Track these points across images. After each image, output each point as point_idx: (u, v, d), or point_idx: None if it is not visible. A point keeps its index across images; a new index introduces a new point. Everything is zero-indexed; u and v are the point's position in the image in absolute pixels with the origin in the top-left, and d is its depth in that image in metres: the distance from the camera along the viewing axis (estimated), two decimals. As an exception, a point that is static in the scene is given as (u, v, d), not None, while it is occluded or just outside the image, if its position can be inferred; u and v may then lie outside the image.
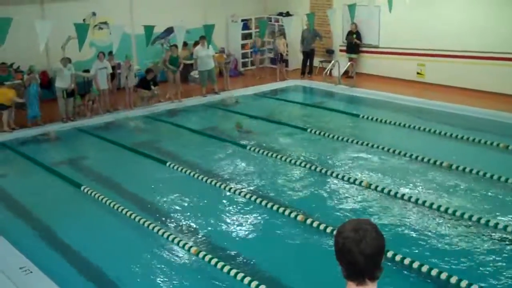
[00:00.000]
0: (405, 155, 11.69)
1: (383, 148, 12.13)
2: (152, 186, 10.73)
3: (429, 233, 8.46)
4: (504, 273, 7.39)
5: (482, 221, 8.63)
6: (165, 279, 7.57)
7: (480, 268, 7.51)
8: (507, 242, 8.14)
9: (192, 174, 11.08)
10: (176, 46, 16.25)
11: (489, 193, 9.87)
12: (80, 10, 16.96)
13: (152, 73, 16.28)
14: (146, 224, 8.94)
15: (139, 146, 13.01)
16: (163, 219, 9.30)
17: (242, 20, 20.77)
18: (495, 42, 16.02)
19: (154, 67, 17.18)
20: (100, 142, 13.70)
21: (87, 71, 15.57)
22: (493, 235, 8.34)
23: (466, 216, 8.82)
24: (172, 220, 9.26)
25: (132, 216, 9.23)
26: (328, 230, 8.44)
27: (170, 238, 8.48)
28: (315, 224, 8.71)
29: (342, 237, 2.65)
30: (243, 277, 7.22)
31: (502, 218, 8.79)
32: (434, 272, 7.24)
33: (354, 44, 19.16)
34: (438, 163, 11.12)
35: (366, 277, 2.66)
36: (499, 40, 15.94)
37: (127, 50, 16.93)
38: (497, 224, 8.52)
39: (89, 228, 9.13)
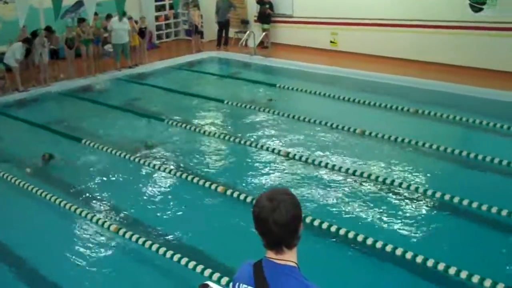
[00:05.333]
0: (320, 123, 11.96)
1: (299, 117, 12.35)
2: (69, 165, 10.48)
3: (348, 199, 8.72)
4: (410, 229, 7.78)
5: (396, 183, 9.00)
6: (88, 259, 7.42)
7: (398, 230, 7.84)
8: (422, 203, 8.53)
9: (109, 150, 10.90)
10: (84, 20, 15.85)
11: (401, 157, 10.29)
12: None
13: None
14: (62, 204, 8.73)
15: (53, 124, 12.65)
16: (82, 198, 9.11)
17: (156, -9, 20.42)
18: (405, 11, 16.57)
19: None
20: (11, 121, 13.18)
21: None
22: (411, 198, 8.71)
23: (380, 179, 9.17)
24: (92, 199, 9.09)
25: (48, 197, 8.98)
26: (248, 200, 8.55)
27: (89, 216, 8.33)
28: (235, 195, 8.80)
29: (258, 207, 2.69)
30: (166, 251, 7.23)
31: (416, 181, 9.21)
32: (351, 235, 7.51)
33: (266, 14, 19.22)
34: (352, 129, 11.45)
35: (283, 246, 2.70)
36: (409, 8, 16.49)
37: (35, 25, 16.28)
38: (416, 187, 8.91)
39: (6, 215, 8.81)
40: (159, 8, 21.26)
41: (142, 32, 17.82)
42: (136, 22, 17.70)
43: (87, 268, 7.20)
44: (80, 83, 16.01)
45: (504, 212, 7.83)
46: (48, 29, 15.83)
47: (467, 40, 15.49)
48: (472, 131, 11.65)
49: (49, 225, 8.39)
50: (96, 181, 9.77)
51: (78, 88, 15.68)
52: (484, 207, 8.00)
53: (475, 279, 6.42)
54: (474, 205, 8.09)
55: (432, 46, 16.10)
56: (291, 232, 2.69)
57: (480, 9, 15.25)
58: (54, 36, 16.03)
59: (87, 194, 9.25)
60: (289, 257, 2.72)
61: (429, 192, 8.65)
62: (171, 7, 20.99)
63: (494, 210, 7.91)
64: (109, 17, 17.17)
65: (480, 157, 9.81)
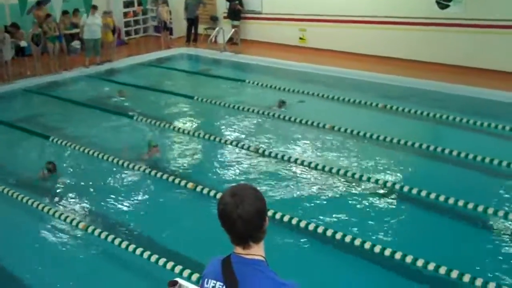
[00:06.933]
0: (290, 118, 12.02)
1: (268, 113, 12.39)
2: (36, 163, 10.32)
3: (317, 193, 8.77)
4: (378, 222, 7.86)
5: (365, 178, 9.08)
6: (57, 257, 7.36)
7: (367, 225, 7.89)
8: (391, 198, 8.62)
9: (77, 147, 10.78)
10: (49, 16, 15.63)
11: (370, 152, 10.39)
12: None
13: None
14: (29, 202, 8.60)
15: (20, 122, 12.46)
16: (50, 196, 9.00)
17: (124, -13, 20.22)
18: (372, 7, 16.71)
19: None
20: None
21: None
22: (380, 192, 8.80)
23: (349, 174, 9.26)
24: (60, 197, 8.98)
25: (15, 195, 8.86)
26: (219, 196, 8.53)
27: (57, 214, 8.23)
28: (205, 191, 8.79)
29: (222, 203, 2.68)
30: (135, 248, 7.18)
31: (385, 175, 9.32)
32: (311, 226, 7.56)
33: (236, 10, 19.19)
34: (321, 125, 11.52)
35: (250, 240, 2.70)
36: (376, 5, 16.65)
37: (1, 21, 16.00)
38: (384, 181, 9.01)
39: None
40: (128, 4, 21.07)
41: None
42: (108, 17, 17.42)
43: (56, 266, 7.13)
44: (46, 80, 15.77)
45: (470, 205, 7.98)
46: (13, 25, 15.57)
47: (434, 37, 15.68)
48: (440, 125, 11.81)
49: (15, 223, 8.27)
50: (63, 179, 9.63)
51: (44, 84, 15.45)
52: (451, 200, 8.14)
53: (442, 270, 6.53)
54: (441, 198, 8.22)
55: (399, 42, 16.26)
56: (256, 226, 2.69)
57: (447, 6, 15.45)
58: (19, 32, 15.78)
59: (55, 191, 9.13)
60: (256, 251, 2.73)
61: (397, 186, 8.76)
62: (140, 3, 20.86)
63: (460, 203, 8.05)
64: (76, 11, 16.96)
65: (447, 151, 9.97)
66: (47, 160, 9.81)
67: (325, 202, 8.52)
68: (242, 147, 10.64)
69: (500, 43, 14.69)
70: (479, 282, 6.29)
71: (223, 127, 11.99)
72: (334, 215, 8.11)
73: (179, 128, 11.77)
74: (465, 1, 15.15)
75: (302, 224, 7.70)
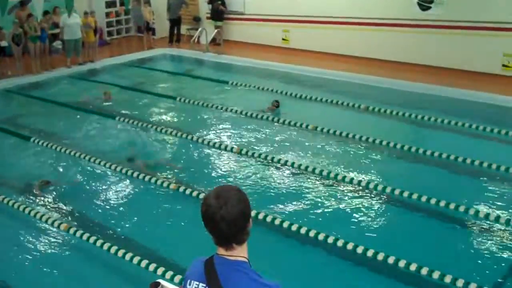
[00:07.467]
0: (273, 119, 12.03)
1: (251, 114, 12.39)
2: (16, 164, 10.24)
3: (300, 194, 8.77)
4: (360, 223, 7.89)
5: (347, 179, 9.12)
6: (39, 259, 7.28)
7: (349, 225, 7.91)
8: (372, 199, 8.66)
9: (59, 149, 10.69)
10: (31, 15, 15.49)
11: (352, 153, 10.42)
12: None
13: None
14: (10, 203, 8.53)
15: (0, 122, 12.32)
16: (30, 197, 8.92)
17: (106, -13, 20.11)
18: (354, 9, 16.79)
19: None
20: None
21: None
22: (362, 193, 8.82)
23: (331, 175, 9.29)
24: (39, 198, 8.90)
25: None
26: (201, 197, 8.51)
27: (38, 216, 8.16)
28: (188, 192, 8.76)
29: (205, 205, 2.67)
30: (117, 250, 7.13)
31: (367, 176, 9.35)
32: (294, 227, 7.57)
33: (219, 11, 19.17)
34: (304, 126, 11.54)
35: (233, 242, 2.70)
36: (358, 6, 16.73)
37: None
38: (367, 182, 9.04)
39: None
40: (110, 5, 20.95)
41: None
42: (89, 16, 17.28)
43: (38, 268, 7.06)
44: (28, 80, 15.62)
45: (452, 206, 8.04)
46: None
47: (417, 38, 15.79)
48: (421, 127, 11.89)
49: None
50: (44, 180, 9.54)
51: (26, 85, 15.31)
52: (432, 201, 8.19)
53: (424, 271, 6.56)
54: (423, 199, 8.27)
55: (381, 43, 16.36)
56: (239, 228, 2.68)
57: (428, 8, 15.57)
58: (1, 33, 15.63)
59: (35, 193, 9.04)
60: (239, 253, 2.73)
61: (379, 187, 8.79)
62: (122, 3, 20.76)
63: (442, 203, 8.11)
64: (56, 8, 16.83)
65: (428, 152, 10.03)
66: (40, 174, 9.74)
67: (307, 202, 8.52)
68: (225, 148, 10.62)
69: (482, 45, 14.82)
70: (460, 283, 6.33)
71: (206, 128, 11.94)
72: (316, 216, 8.12)
73: (161, 129, 11.71)
74: (446, 3, 15.28)
75: (285, 224, 7.70)
